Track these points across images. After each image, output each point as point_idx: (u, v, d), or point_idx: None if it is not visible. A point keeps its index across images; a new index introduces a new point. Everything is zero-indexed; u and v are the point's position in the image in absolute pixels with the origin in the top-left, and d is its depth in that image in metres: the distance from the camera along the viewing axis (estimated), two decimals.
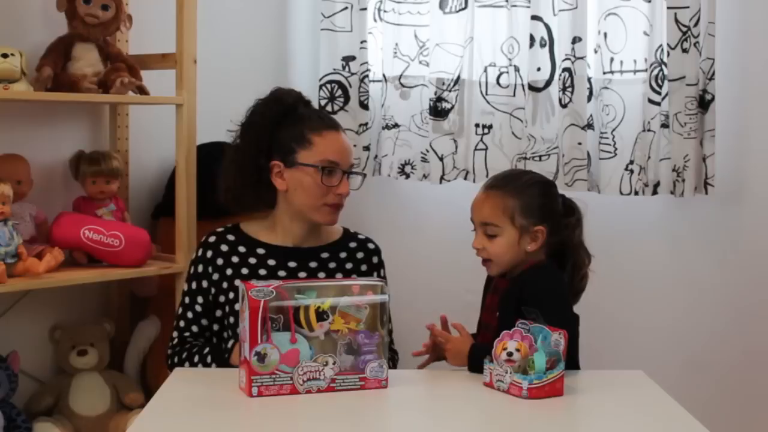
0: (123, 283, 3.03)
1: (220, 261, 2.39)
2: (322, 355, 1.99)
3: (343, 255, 2.44)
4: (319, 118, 2.41)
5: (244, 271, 2.37)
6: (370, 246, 2.49)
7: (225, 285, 2.37)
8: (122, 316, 3.08)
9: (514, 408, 1.94)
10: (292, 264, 2.39)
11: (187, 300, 2.41)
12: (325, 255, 2.42)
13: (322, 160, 2.33)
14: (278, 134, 2.36)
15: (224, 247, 2.40)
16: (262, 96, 2.43)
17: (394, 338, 2.50)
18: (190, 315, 2.40)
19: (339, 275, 2.41)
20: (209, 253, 2.40)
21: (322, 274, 2.39)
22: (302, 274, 2.38)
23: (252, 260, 2.38)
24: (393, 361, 2.49)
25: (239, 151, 2.40)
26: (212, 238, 2.42)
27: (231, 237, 2.42)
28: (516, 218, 2.17)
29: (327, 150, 2.34)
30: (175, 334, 2.41)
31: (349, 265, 2.43)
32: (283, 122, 2.37)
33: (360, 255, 2.46)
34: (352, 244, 2.47)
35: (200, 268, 2.40)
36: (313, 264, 2.40)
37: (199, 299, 2.39)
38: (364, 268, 2.45)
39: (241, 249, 2.40)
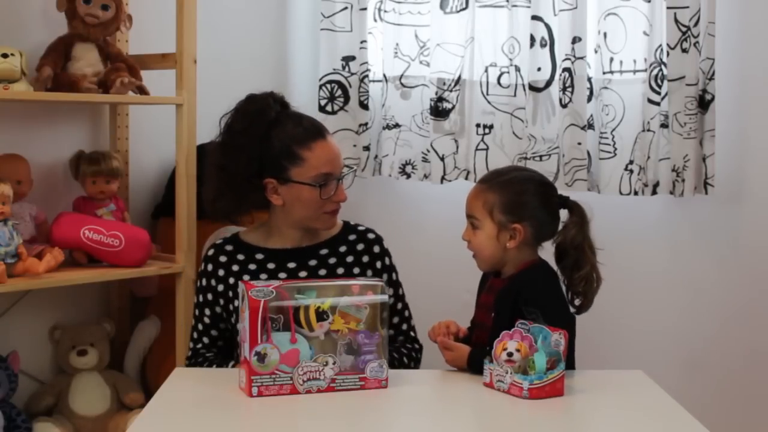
0: (123, 283, 3.03)
1: (221, 272, 2.39)
2: (322, 355, 1.99)
3: (342, 249, 2.43)
4: (302, 128, 2.34)
5: (246, 277, 2.37)
6: (370, 236, 2.47)
7: (231, 294, 2.38)
8: (122, 316, 3.08)
9: (514, 408, 1.94)
10: (291, 265, 2.39)
11: (197, 312, 2.42)
12: (324, 252, 2.42)
13: (316, 175, 2.31)
14: (267, 152, 2.32)
15: (223, 258, 2.40)
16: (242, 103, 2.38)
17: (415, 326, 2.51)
18: (200, 327, 2.41)
19: (341, 270, 2.40)
20: (210, 267, 2.41)
21: (323, 271, 2.39)
22: (303, 274, 2.38)
23: (252, 266, 2.38)
24: (416, 352, 2.46)
25: (226, 170, 2.34)
26: (211, 251, 2.43)
27: (229, 247, 2.42)
28: (495, 213, 2.17)
29: (319, 164, 2.31)
30: (190, 345, 2.43)
31: (350, 258, 2.42)
32: (268, 138, 2.32)
33: (360, 246, 2.44)
34: (352, 237, 2.45)
35: (204, 282, 2.41)
36: (312, 262, 2.40)
37: (207, 311, 2.40)
38: (365, 259, 2.43)
39: (240, 257, 2.40)
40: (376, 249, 2.46)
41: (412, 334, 2.50)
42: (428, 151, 3.31)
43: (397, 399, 2.01)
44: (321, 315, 1.98)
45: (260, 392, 1.95)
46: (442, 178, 3.30)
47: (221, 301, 2.39)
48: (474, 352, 2.15)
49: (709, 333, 3.33)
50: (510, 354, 2.00)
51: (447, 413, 1.97)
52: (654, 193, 3.22)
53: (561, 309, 2.16)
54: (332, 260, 2.41)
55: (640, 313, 3.37)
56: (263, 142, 2.32)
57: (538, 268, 2.21)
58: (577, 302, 2.20)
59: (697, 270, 3.34)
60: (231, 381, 2.03)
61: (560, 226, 2.22)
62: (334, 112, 3.32)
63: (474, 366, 2.12)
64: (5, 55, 2.54)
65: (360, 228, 2.49)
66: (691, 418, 1.89)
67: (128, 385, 2.94)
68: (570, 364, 2.17)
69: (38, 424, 2.74)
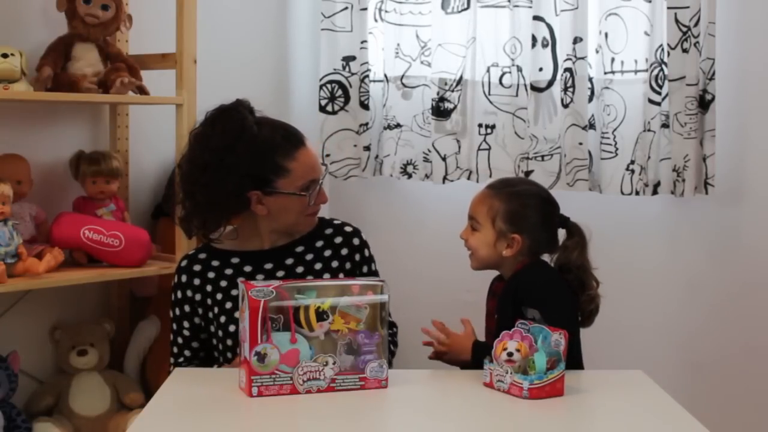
0: (123, 283, 3.03)
1: (197, 281, 2.36)
2: (322, 355, 1.98)
3: (319, 244, 2.42)
4: (281, 136, 2.31)
5: (223, 283, 2.35)
6: (348, 229, 2.46)
7: (209, 301, 2.36)
8: (122, 316, 3.08)
9: (514, 408, 1.94)
10: (268, 266, 2.37)
11: (174, 326, 2.40)
12: (299, 249, 2.40)
13: (303, 184, 2.31)
14: (253, 167, 2.28)
15: (197, 267, 2.37)
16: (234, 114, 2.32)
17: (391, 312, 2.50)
18: (180, 341, 2.39)
19: (318, 265, 2.39)
20: (184, 278, 2.38)
21: (300, 269, 2.37)
22: (280, 273, 2.36)
23: (228, 271, 2.36)
24: (394, 335, 2.49)
25: (209, 188, 2.28)
26: (184, 262, 2.40)
27: (202, 255, 2.39)
28: (497, 221, 2.24)
29: (305, 172, 2.30)
30: (171, 360, 2.40)
31: (327, 252, 2.41)
32: (253, 153, 2.28)
33: (338, 240, 2.43)
34: (329, 231, 2.44)
35: (179, 294, 2.38)
36: (289, 261, 2.38)
37: (185, 324, 2.38)
38: (345, 251, 2.42)
39: (215, 263, 2.37)
40: (356, 241, 2.44)
41: (389, 318, 2.48)
42: (430, 151, 3.31)
43: (397, 399, 2.01)
44: (321, 315, 1.98)
45: (260, 392, 1.95)
46: (444, 178, 3.29)
47: (200, 311, 2.36)
48: (477, 342, 2.16)
49: (709, 333, 3.33)
50: (510, 354, 2.00)
51: (447, 413, 1.97)
52: (655, 192, 3.21)
53: (562, 302, 2.19)
54: (309, 256, 2.39)
55: (639, 312, 3.36)
56: (249, 157, 2.28)
57: (534, 265, 2.25)
58: (580, 318, 2.25)
59: (697, 269, 3.33)
60: (231, 381, 2.03)
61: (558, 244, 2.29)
62: (334, 112, 3.32)
63: (476, 354, 2.13)
64: (5, 55, 2.54)
65: (336, 222, 2.48)
66: (690, 418, 1.89)
67: (128, 385, 2.94)
68: (576, 364, 2.18)
69: (38, 424, 2.74)
